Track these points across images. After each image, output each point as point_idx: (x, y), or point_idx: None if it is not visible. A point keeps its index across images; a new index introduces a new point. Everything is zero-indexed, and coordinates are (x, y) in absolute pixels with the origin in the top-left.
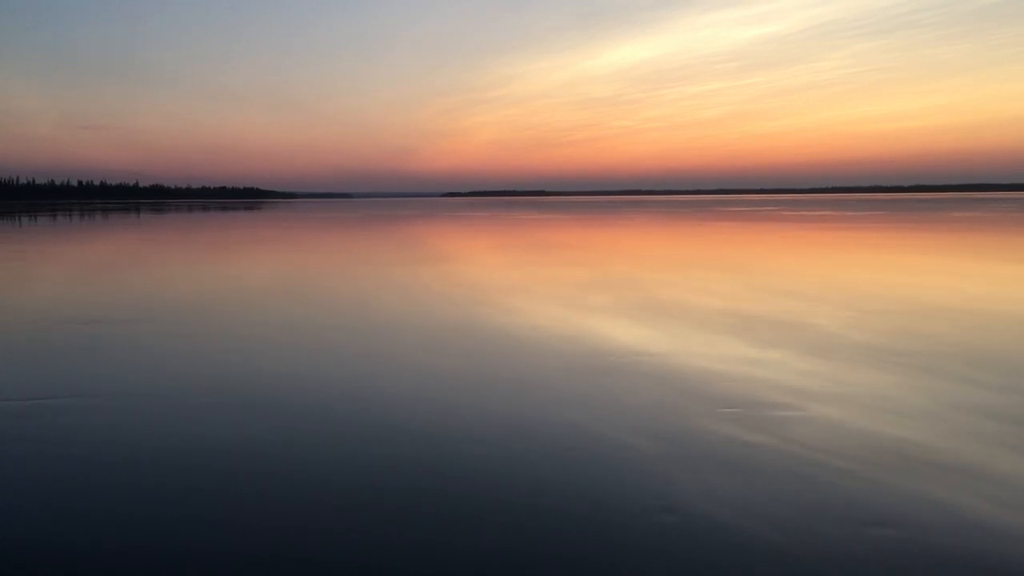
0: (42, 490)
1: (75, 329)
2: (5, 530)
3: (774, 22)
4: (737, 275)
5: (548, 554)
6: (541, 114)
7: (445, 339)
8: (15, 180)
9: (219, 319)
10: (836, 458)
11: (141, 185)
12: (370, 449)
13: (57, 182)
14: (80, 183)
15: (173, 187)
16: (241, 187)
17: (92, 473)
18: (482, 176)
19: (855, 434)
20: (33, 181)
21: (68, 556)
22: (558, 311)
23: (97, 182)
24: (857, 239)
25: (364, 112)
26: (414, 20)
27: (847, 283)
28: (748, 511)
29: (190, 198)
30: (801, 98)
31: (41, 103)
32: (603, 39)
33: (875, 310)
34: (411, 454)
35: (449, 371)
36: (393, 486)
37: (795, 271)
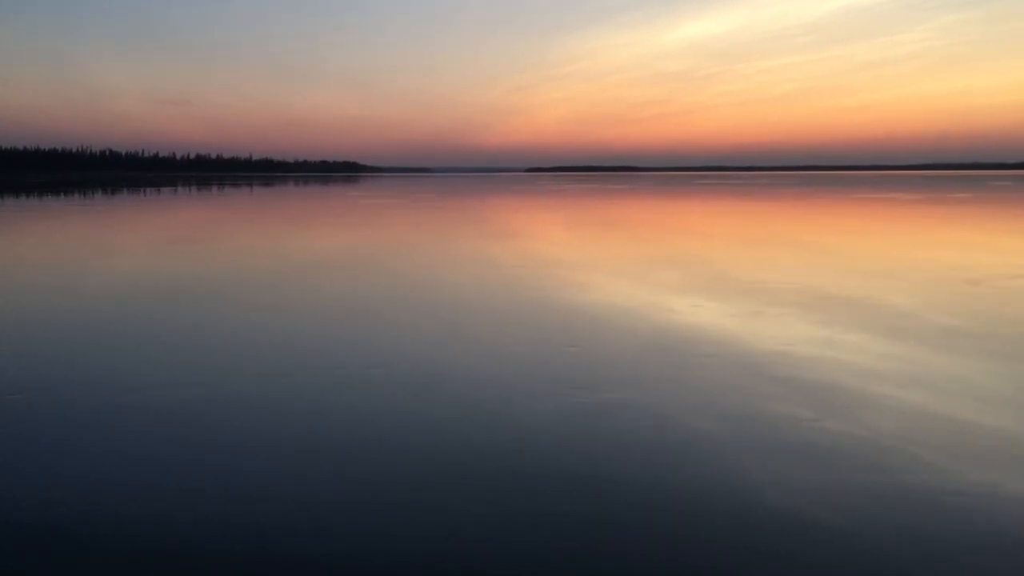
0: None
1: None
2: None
3: None
4: (813, 253)
5: (614, 532)
6: (613, 90)
7: (522, 316)
8: (141, 153)
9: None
10: (912, 445)
11: (254, 159)
12: (444, 426)
13: (178, 155)
14: (198, 156)
15: (279, 160)
16: (340, 161)
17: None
18: (558, 151)
19: (932, 420)
20: (157, 154)
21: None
22: (636, 290)
23: (214, 155)
24: (940, 217)
25: (436, 89)
26: None
27: (926, 263)
28: (819, 499)
29: (295, 171)
30: (883, 72)
31: (125, 78)
32: (675, 14)
33: (955, 291)
34: (486, 430)
35: (522, 350)
36: (458, 461)
37: (873, 250)
